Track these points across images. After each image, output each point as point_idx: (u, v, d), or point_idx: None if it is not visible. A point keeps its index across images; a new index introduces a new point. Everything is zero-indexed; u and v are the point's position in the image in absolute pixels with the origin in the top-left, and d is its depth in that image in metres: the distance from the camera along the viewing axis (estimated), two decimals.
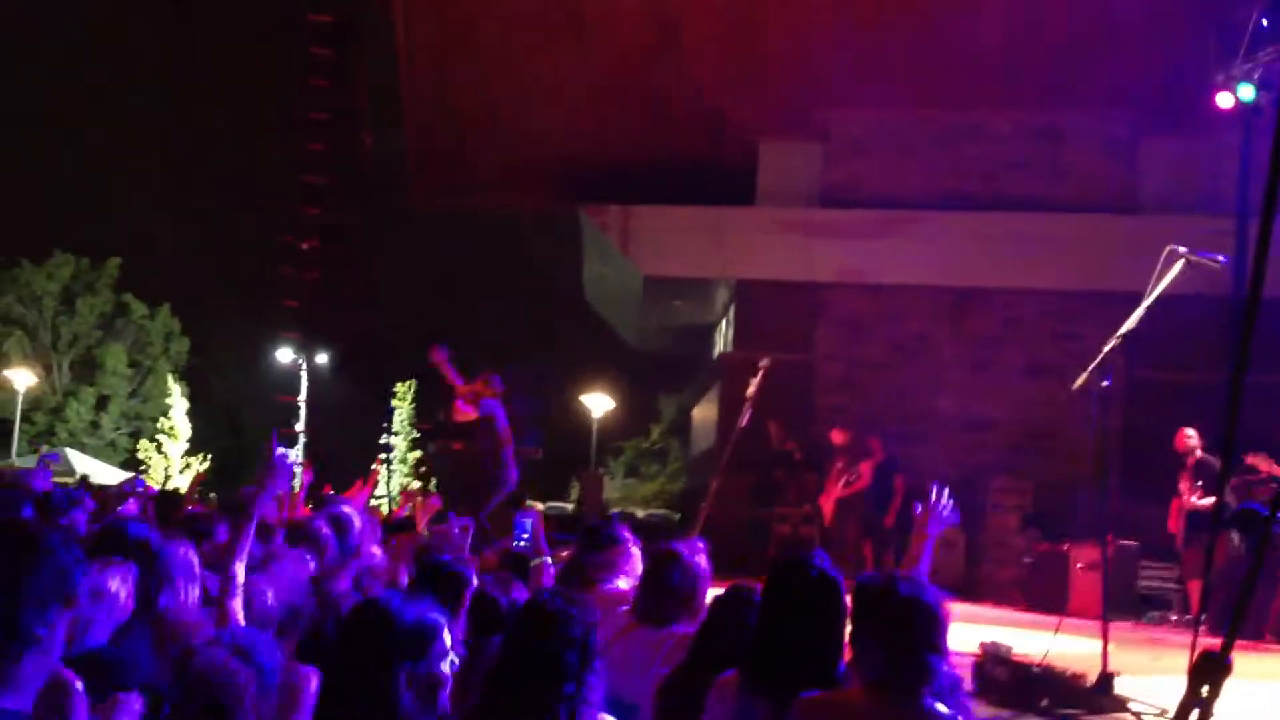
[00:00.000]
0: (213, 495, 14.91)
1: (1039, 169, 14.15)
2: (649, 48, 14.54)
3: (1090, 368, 6.04)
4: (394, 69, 16.18)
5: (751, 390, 9.97)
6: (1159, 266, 5.91)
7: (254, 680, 2.86)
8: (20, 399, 33.40)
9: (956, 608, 3.86)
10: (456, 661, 2.89)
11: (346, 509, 5.12)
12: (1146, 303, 5.89)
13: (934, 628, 3.13)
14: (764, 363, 9.98)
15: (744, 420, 10.08)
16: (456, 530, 5.58)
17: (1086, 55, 13.13)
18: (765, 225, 14.83)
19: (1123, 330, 5.94)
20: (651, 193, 15.01)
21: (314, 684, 3.07)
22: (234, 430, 40.69)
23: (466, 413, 10.37)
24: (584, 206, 15.79)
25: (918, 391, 13.98)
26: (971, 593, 11.91)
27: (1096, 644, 5.98)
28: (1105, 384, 6.00)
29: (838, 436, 12.47)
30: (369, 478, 9.74)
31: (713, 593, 4.44)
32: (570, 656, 2.87)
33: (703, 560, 4.52)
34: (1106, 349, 5.96)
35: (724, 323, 17.72)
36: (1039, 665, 5.97)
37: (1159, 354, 10.49)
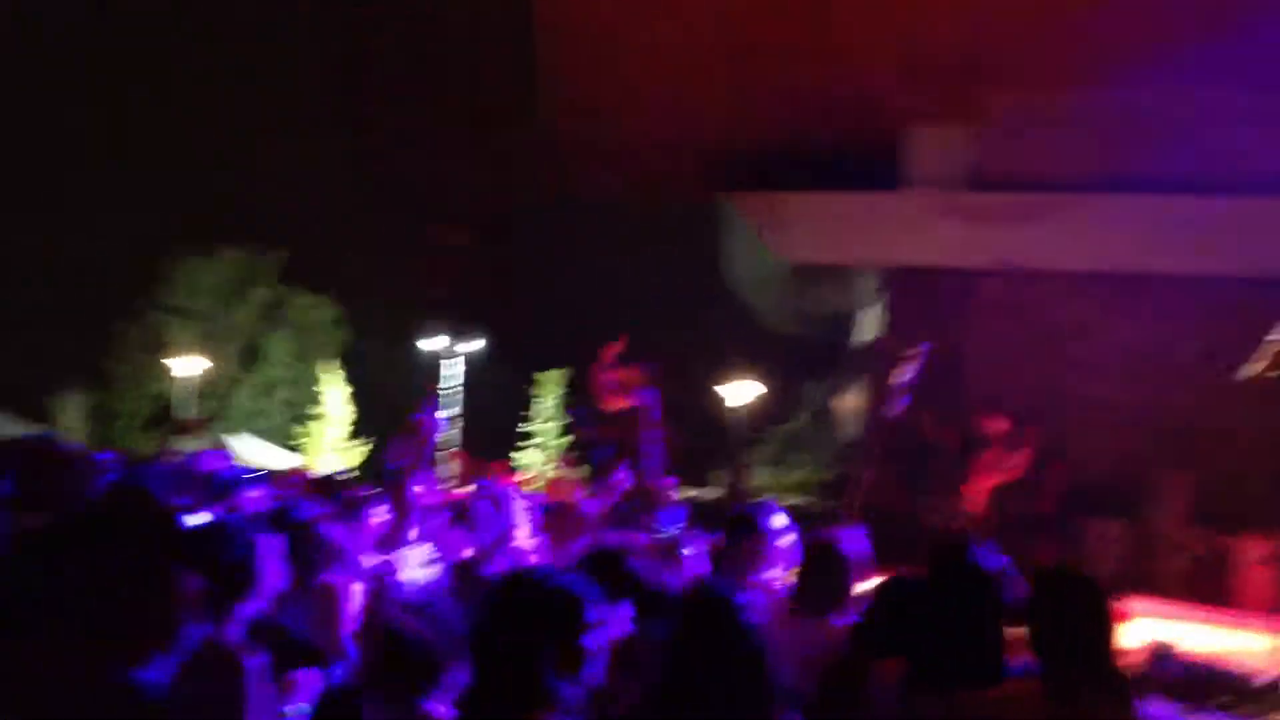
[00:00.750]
0: (365, 476, 15.39)
1: (1210, 149, 13.54)
2: (795, 36, 14.40)
3: (1262, 355, 5.79)
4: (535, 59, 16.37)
5: (904, 378, 9.87)
6: None
7: (443, 640, 2.98)
8: (188, 386, 34.97)
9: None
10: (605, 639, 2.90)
11: (503, 489, 5.23)
12: None
13: (1106, 624, 3.06)
14: (916, 351, 9.87)
15: (895, 409, 9.99)
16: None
17: (1264, 29, 12.51)
18: (916, 210, 14.55)
19: None
20: (799, 180, 14.88)
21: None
22: (388, 415, 41.83)
23: (618, 401, 10.46)
24: (730, 195, 15.75)
25: (1077, 380, 13.57)
26: (1136, 587, 11.49)
27: (1268, 640, 5.76)
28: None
29: (992, 425, 11.93)
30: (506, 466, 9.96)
31: (870, 583, 4.41)
32: (745, 646, 2.86)
33: (861, 549, 4.49)
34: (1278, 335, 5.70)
35: (873, 310, 17.49)
36: (1210, 662, 5.77)
37: None
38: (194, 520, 4.08)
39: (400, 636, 3.00)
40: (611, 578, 4.08)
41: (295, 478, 10.07)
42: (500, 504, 5.00)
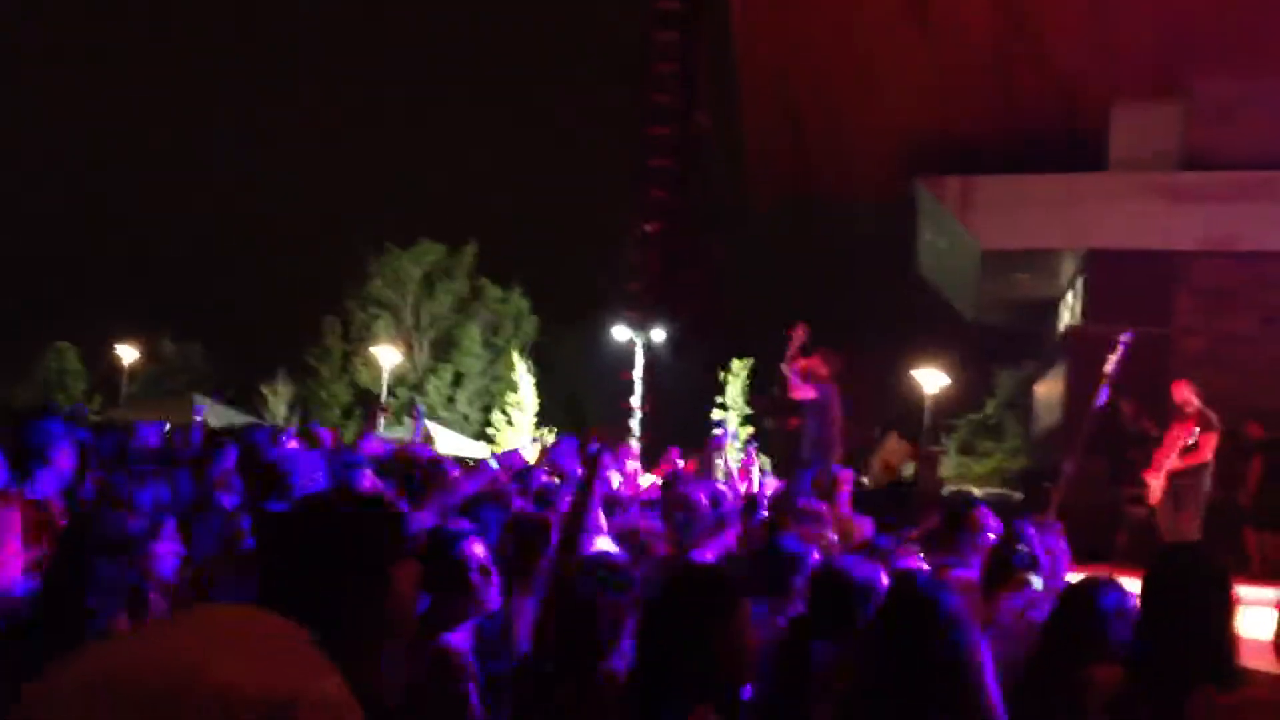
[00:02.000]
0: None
1: None
2: (995, 17, 14.07)
3: None
4: (733, 51, 16.43)
5: (1110, 366, 9.51)
6: None
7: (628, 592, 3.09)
8: (386, 375, 36.40)
9: None
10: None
11: (721, 486, 5.31)
12: None
13: None
14: (1124, 337, 9.49)
15: (1101, 399, 9.65)
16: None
17: None
18: (1119, 191, 14.02)
19: None
20: (995, 163, 14.54)
21: None
22: (576, 405, 42.67)
23: (802, 391, 10.41)
24: (927, 180, 15.47)
25: None
26: None
27: None
28: None
29: (1180, 392, 10.50)
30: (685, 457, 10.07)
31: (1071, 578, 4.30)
32: (948, 648, 2.81)
33: (1059, 544, 4.39)
34: None
35: (1070, 295, 16.93)
36: None
37: None
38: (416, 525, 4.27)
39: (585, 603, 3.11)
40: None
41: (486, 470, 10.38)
42: (718, 498, 5.08)
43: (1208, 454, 10.10)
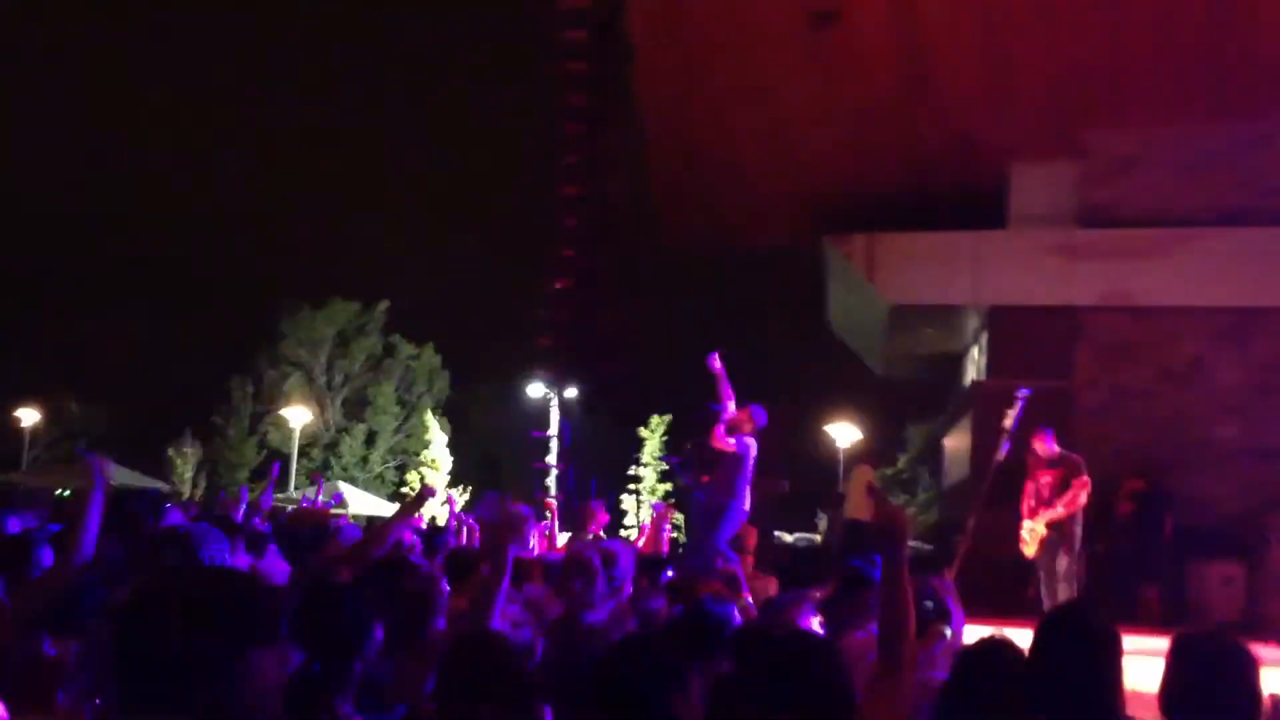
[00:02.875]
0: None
1: None
2: (895, 79, 14.35)
3: None
4: (638, 111, 16.54)
5: (1009, 421, 9.63)
6: None
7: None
8: (297, 436, 35.81)
9: None
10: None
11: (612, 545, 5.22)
12: None
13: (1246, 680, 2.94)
14: (1022, 392, 9.62)
15: (1002, 453, 9.75)
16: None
17: None
18: (1020, 248, 14.32)
19: None
20: (898, 220, 14.76)
21: None
22: (491, 463, 42.30)
23: (724, 443, 10.33)
24: (828, 236, 15.66)
25: (1192, 419, 13.17)
26: (1254, 632, 11.04)
27: None
28: None
29: (1043, 444, 10.21)
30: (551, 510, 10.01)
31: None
32: (815, 697, 2.78)
33: (950, 601, 4.37)
34: None
35: (975, 349, 17.20)
36: None
37: None
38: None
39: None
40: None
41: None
42: (611, 557, 4.99)
43: (1083, 499, 10.08)
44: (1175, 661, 3.02)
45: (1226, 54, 12.87)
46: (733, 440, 10.11)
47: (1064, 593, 9.84)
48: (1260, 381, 13.22)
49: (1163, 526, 12.19)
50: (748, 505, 9.89)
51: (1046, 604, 9.75)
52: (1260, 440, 12.93)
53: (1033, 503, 10.19)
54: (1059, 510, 9.97)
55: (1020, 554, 10.30)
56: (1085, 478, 10.04)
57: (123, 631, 1.94)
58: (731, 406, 10.11)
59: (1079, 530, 10.19)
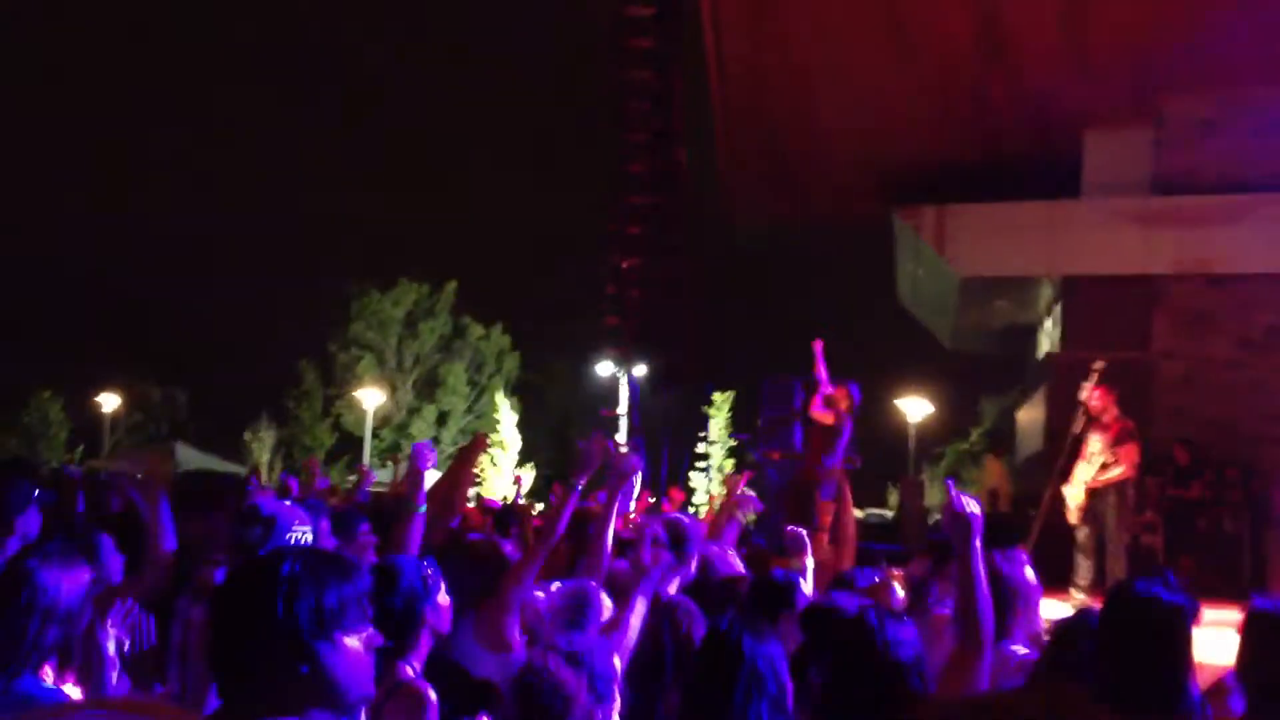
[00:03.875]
0: (540, 505, 15.66)
1: None
2: (970, 43, 14.14)
3: None
4: (709, 84, 16.44)
5: (1086, 393, 9.49)
6: None
7: (585, 687, 2.97)
8: (371, 417, 36.27)
9: None
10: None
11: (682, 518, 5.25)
12: None
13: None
14: (1098, 364, 9.47)
15: (1078, 425, 9.61)
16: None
17: None
18: (1094, 217, 14.07)
19: None
20: (972, 192, 14.59)
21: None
22: (561, 442, 42.58)
23: (823, 416, 10.34)
24: (904, 209, 15.50)
25: (1272, 389, 12.88)
26: None
27: None
28: None
29: (1096, 400, 9.65)
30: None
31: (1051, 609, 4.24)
32: (892, 677, 2.80)
33: (1026, 573, 4.33)
34: None
35: (1048, 321, 16.97)
36: None
37: None
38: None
39: (538, 684, 3.01)
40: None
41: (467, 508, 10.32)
42: (680, 531, 5.01)
43: (1129, 469, 9.53)
44: (1252, 633, 2.99)
45: None
46: (831, 415, 10.11)
47: (1096, 568, 9.43)
48: None
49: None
50: (833, 482, 9.85)
51: (1079, 577, 9.44)
52: None
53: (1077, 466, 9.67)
54: (1096, 478, 9.48)
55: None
56: (1134, 445, 9.53)
57: (218, 613, 2.00)
58: (826, 384, 10.17)
59: (1127, 503, 9.67)
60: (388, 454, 38.68)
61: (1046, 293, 16.23)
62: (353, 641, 1.96)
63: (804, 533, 5.56)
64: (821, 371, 10.29)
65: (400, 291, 42.01)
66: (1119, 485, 9.48)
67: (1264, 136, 13.35)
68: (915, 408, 31.40)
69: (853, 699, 2.85)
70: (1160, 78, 13.60)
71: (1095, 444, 9.53)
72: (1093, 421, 9.64)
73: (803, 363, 10.99)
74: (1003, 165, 14.79)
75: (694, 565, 5.03)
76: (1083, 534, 9.59)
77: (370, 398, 35.78)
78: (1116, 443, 9.45)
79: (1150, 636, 3.01)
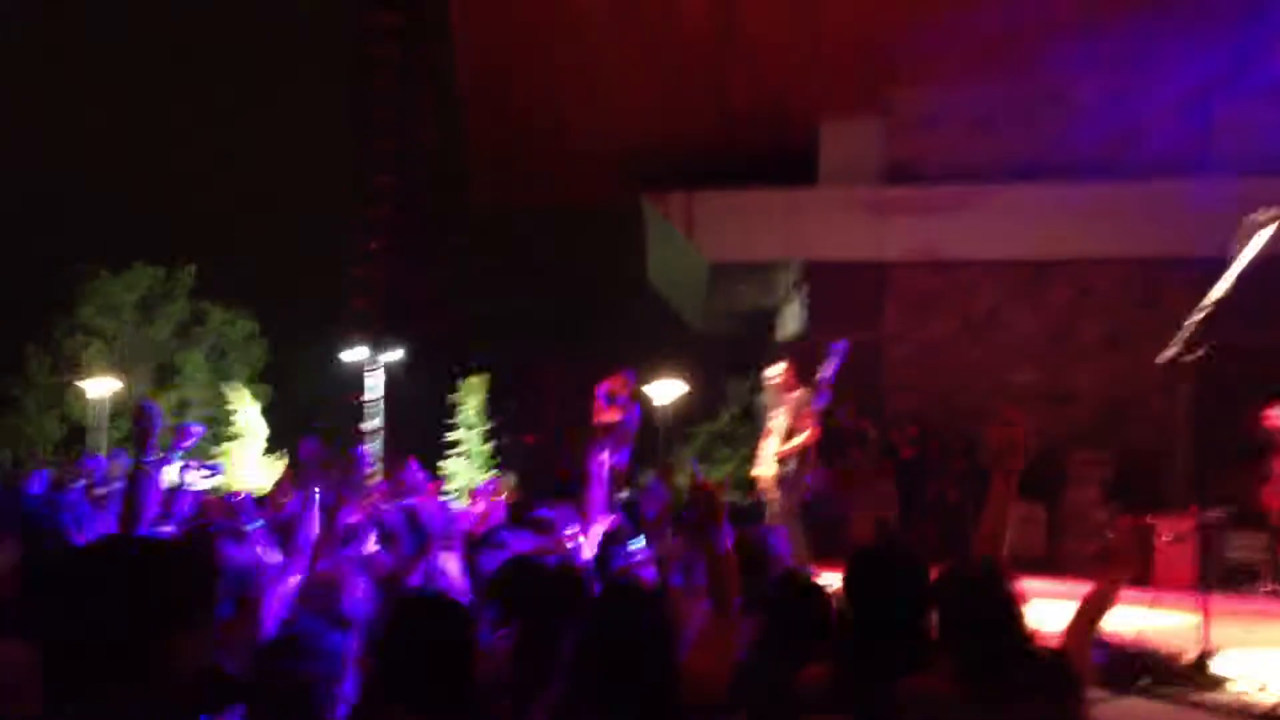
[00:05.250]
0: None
1: (1116, 135, 13.84)
2: (709, 35, 14.47)
3: (1180, 339, 5.94)
4: (453, 64, 16.23)
5: (825, 373, 9.91)
6: (1240, 235, 5.77)
7: (325, 672, 2.93)
8: (105, 406, 34.19)
9: (1037, 584, 3.80)
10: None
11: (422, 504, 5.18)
12: (1235, 271, 5.76)
13: (1008, 606, 3.11)
14: (838, 345, 9.90)
15: (819, 402, 10.02)
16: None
17: (1164, 18, 12.80)
18: (830, 205, 14.70)
19: (1211, 299, 5.83)
20: (715, 178, 14.96)
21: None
22: (310, 429, 41.30)
23: (608, 413, 10.32)
24: (646, 194, 15.76)
25: (991, 367, 13.82)
26: (1053, 568, 11.72)
27: (1188, 618, 5.86)
28: (1200, 353, 5.87)
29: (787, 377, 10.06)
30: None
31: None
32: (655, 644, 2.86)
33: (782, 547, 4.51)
34: (1196, 319, 5.85)
35: (791, 305, 17.61)
36: (1134, 644, 5.87)
37: (1245, 319, 10.24)
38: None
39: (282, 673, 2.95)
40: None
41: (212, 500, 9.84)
42: (417, 518, 4.95)
43: (810, 437, 9.83)
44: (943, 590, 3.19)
45: (1019, 13, 13.35)
46: (617, 410, 10.11)
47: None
48: (1050, 330, 13.96)
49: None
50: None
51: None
52: (1052, 385, 13.67)
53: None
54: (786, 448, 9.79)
55: None
56: (809, 416, 9.82)
57: (48, 604, 1.84)
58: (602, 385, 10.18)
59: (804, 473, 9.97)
60: (124, 444, 36.53)
61: (788, 277, 16.84)
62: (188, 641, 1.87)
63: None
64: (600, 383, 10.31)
65: (134, 275, 39.75)
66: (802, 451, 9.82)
67: (982, 129, 14.26)
68: (667, 389, 32.05)
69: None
70: (887, 72, 14.31)
71: (780, 419, 9.86)
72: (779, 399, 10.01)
73: (556, 344, 10.98)
74: (746, 152, 15.24)
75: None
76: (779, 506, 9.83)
77: (100, 386, 33.69)
78: (800, 414, 9.77)
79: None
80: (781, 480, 9.83)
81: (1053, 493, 12.52)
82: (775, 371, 9.89)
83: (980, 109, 14.35)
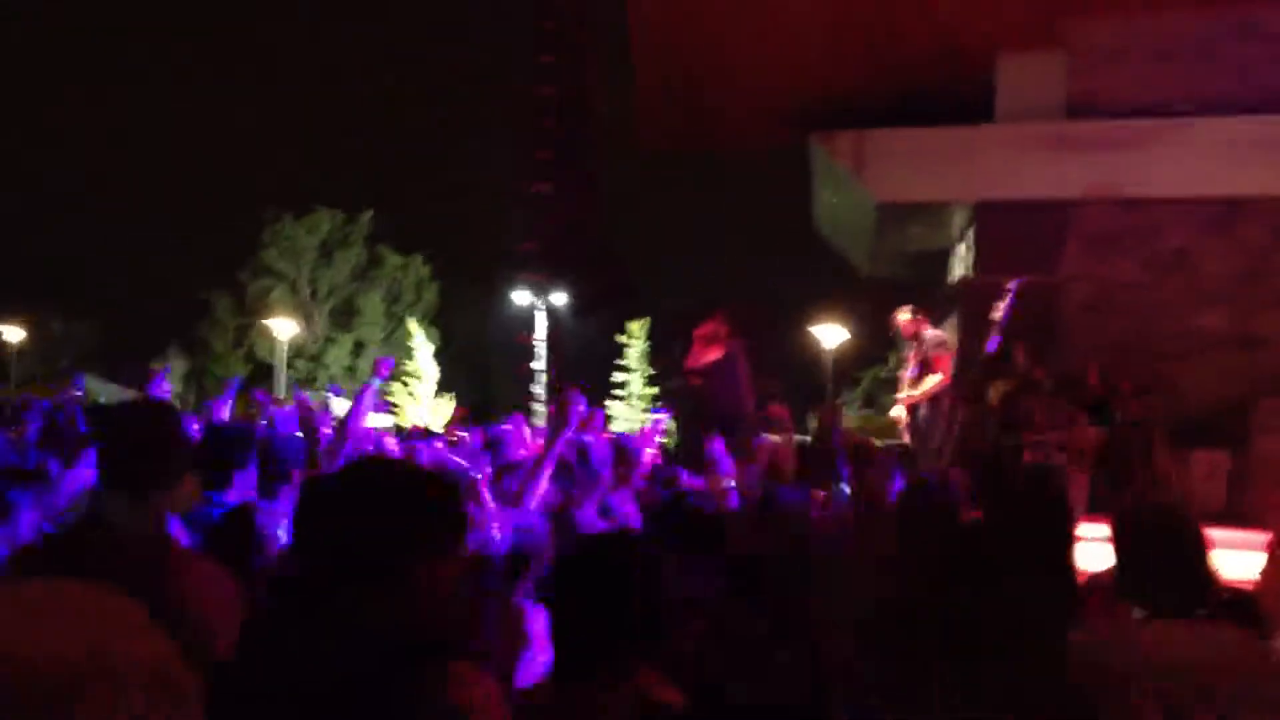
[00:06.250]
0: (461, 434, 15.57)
1: None
2: None
3: None
4: (621, 11, 16.24)
5: (998, 314, 9.68)
6: None
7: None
8: (284, 347, 35.74)
9: (1220, 534, 3.64)
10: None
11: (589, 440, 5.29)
12: None
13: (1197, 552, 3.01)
14: (1011, 285, 9.66)
15: (990, 345, 9.81)
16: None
17: None
18: (1006, 142, 14.22)
19: None
20: (886, 117, 14.64)
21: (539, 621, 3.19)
22: (479, 370, 42.41)
23: (705, 356, 10.40)
24: (814, 134, 15.52)
25: (1178, 310, 13.24)
26: (1238, 520, 11.23)
27: None
28: None
29: (909, 327, 10.62)
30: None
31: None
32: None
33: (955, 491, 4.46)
34: None
35: (962, 246, 17.17)
36: None
37: None
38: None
39: None
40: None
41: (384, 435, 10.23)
42: (586, 451, 5.05)
43: (945, 379, 10.03)
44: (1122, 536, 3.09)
45: None
46: (715, 349, 10.13)
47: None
48: (1241, 270, 13.29)
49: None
50: (749, 405, 9.94)
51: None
52: (1242, 329, 13.04)
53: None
54: (914, 394, 9.93)
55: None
56: (947, 355, 10.13)
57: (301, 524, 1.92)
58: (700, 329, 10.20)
59: (941, 413, 10.03)
60: (303, 385, 38.21)
61: (960, 218, 16.41)
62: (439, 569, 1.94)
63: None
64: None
65: (314, 220, 41.25)
66: (935, 396, 9.91)
67: (1167, 62, 13.57)
68: (831, 334, 31.76)
69: None
70: (1065, 3, 13.73)
71: (910, 365, 10.00)
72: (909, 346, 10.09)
73: (718, 291, 11.02)
74: (918, 92, 14.85)
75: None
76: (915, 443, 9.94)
77: (283, 327, 35.22)
78: (926, 360, 9.89)
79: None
80: (911, 427, 9.84)
81: (1239, 441, 12.00)
82: (902, 317, 9.82)
83: (1165, 40, 13.65)
